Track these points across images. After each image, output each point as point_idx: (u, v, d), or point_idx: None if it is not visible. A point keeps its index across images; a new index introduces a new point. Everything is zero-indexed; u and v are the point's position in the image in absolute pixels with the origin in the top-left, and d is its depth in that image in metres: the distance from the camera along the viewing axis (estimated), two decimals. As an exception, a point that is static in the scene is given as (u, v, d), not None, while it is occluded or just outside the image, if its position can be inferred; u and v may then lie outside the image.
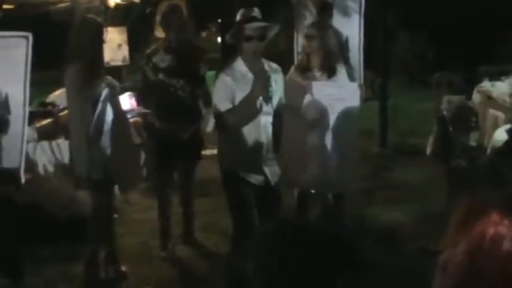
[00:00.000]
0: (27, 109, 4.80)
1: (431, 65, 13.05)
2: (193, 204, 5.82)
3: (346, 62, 6.66)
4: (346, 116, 5.10)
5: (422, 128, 8.34)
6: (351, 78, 5.48)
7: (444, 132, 6.52)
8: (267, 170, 4.45)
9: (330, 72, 5.21)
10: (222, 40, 10.07)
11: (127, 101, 7.11)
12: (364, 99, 5.31)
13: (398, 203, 6.53)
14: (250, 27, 4.28)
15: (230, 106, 4.30)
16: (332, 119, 5.07)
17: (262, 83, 4.31)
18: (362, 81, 7.13)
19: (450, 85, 9.69)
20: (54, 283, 5.04)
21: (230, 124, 4.34)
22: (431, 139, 6.77)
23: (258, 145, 4.41)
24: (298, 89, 5.05)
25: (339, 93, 5.12)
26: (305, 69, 5.22)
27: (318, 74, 5.17)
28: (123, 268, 5.16)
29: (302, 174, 5.04)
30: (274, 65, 4.57)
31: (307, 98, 5.04)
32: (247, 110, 4.33)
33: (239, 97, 4.32)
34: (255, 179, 4.42)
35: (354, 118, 5.17)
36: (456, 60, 11.72)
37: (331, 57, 5.21)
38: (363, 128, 8.10)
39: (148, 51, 5.43)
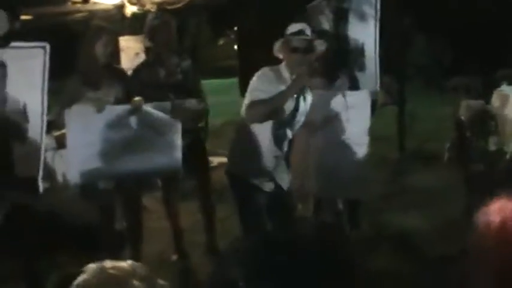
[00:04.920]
0: (45, 118, 4.83)
1: (449, 69, 12.97)
2: (212, 212, 5.82)
3: (362, 68, 6.69)
4: (356, 123, 5.10)
5: (440, 133, 8.29)
6: (354, 84, 5.49)
7: (462, 137, 6.49)
8: (278, 177, 4.46)
9: (331, 79, 5.23)
10: (239, 47, 10.07)
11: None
12: (381, 105, 5.32)
13: (416, 209, 6.49)
14: (296, 39, 4.38)
15: (264, 96, 4.30)
16: (341, 126, 5.07)
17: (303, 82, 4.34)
18: (378, 86, 7.11)
19: (468, 90, 9.60)
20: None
21: (259, 115, 4.33)
22: (449, 144, 6.73)
23: (272, 152, 4.42)
24: None
25: (347, 101, 5.13)
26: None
27: (320, 80, 5.17)
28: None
29: (311, 181, 5.02)
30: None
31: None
32: (280, 103, 4.34)
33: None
34: (267, 185, 4.43)
35: (366, 125, 5.18)
36: (474, 64, 11.63)
37: (331, 63, 5.23)
38: (380, 133, 8.07)
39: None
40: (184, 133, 5.29)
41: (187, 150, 5.37)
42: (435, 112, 10.38)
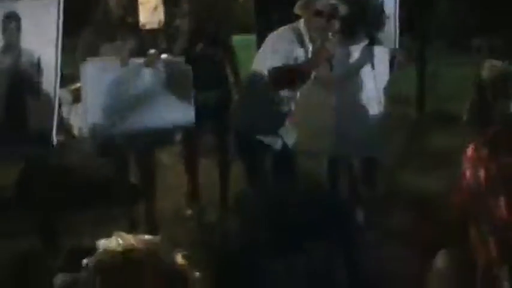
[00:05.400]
0: (59, 71, 4.81)
1: (472, 29, 12.75)
2: (228, 168, 5.82)
3: (381, 26, 6.57)
4: (373, 80, 5.03)
5: (461, 94, 8.17)
6: (372, 42, 5.41)
7: (483, 98, 6.38)
8: (286, 135, 4.43)
9: (349, 36, 5.16)
10: (257, 5, 9.91)
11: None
12: (401, 64, 5.24)
13: (434, 169, 6.43)
14: (321, 2, 4.29)
15: (285, 60, 4.21)
16: (357, 83, 5.00)
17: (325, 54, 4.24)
18: (397, 45, 7.00)
19: (491, 50, 9.46)
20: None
21: (284, 84, 4.29)
22: (468, 105, 6.63)
23: (280, 108, 4.39)
24: None
25: (365, 58, 5.05)
26: None
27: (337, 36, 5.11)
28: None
29: (325, 139, 4.99)
30: None
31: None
32: (305, 73, 4.30)
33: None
34: (274, 143, 4.40)
35: (384, 82, 5.11)
36: (498, 24, 11.41)
37: (349, 20, 5.16)
38: (400, 93, 7.98)
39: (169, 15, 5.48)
40: (205, 88, 5.28)
41: (208, 106, 5.36)
42: (457, 72, 10.23)
